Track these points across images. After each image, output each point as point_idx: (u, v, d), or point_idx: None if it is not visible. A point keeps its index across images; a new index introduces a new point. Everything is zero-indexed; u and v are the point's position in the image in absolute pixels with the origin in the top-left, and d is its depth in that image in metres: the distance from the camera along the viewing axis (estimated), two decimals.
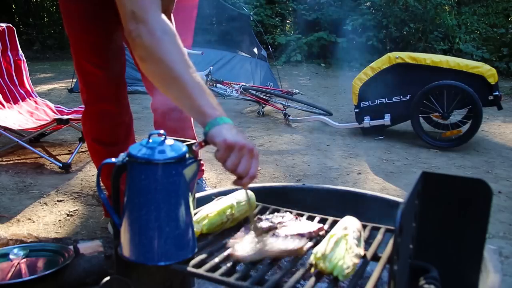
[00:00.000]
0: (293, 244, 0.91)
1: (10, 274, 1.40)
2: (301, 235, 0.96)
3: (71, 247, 1.51)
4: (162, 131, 0.90)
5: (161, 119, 1.92)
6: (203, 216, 1.03)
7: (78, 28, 1.55)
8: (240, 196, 1.12)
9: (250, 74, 6.19)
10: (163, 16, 1.08)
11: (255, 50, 6.44)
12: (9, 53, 3.28)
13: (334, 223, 1.06)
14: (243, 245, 0.92)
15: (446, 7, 10.02)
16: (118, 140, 1.72)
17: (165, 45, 1.02)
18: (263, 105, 4.87)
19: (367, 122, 3.84)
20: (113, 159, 0.88)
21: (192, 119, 1.98)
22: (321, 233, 1.01)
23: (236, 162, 0.92)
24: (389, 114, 3.74)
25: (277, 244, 0.91)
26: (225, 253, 0.91)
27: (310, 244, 0.95)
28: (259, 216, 1.09)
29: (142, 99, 5.16)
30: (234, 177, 0.96)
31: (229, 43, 6.27)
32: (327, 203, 1.36)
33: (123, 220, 0.87)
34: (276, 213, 1.12)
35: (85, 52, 1.58)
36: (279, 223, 1.03)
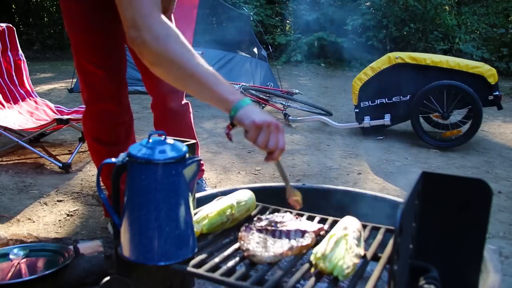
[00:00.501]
0: (305, 240, 0.93)
1: (10, 274, 1.40)
2: (306, 232, 0.98)
3: (71, 247, 1.51)
4: (162, 131, 0.90)
5: (161, 119, 1.92)
6: (203, 216, 1.03)
7: (78, 28, 1.55)
8: (240, 196, 1.12)
9: (250, 74, 6.19)
10: (164, 18, 1.08)
11: (255, 50, 6.44)
12: (9, 53, 3.28)
13: (334, 223, 1.06)
14: (255, 246, 0.92)
15: (446, 7, 10.02)
16: (118, 140, 1.72)
17: (171, 47, 1.05)
18: (263, 105, 4.87)
19: (367, 122, 3.84)
20: (113, 159, 0.88)
21: (192, 119, 1.98)
22: (321, 233, 1.01)
23: (266, 138, 1.01)
24: (389, 114, 3.74)
25: (292, 242, 0.93)
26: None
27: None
28: (259, 216, 1.09)
29: (142, 99, 5.16)
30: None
31: (229, 43, 6.26)
32: (327, 203, 1.36)
33: (123, 220, 0.87)
34: (276, 213, 1.12)
35: (85, 52, 1.58)
36: (279, 222, 1.03)
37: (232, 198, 1.10)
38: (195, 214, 1.04)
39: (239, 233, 0.98)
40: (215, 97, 1.04)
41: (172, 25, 1.09)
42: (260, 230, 0.99)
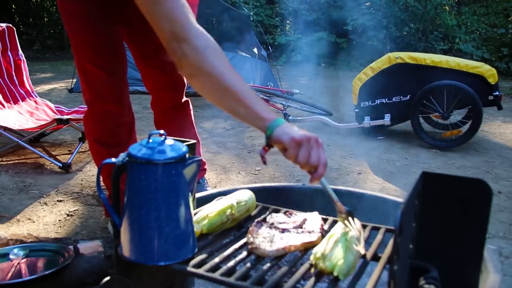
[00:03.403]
0: (310, 237, 0.94)
1: (10, 274, 1.40)
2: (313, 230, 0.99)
3: (71, 247, 1.51)
4: (162, 131, 0.90)
5: (162, 117, 1.92)
6: (203, 216, 1.03)
7: (77, 28, 1.55)
8: (240, 196, 1.12)
9: (250, 74, 6.19)
10: (201, 29, 1.08)
11: (255, 50, 6.44)
12: (9, 53, 3.28)
13: (334, 223, 1.06)
14: (262, 240, 0.93)
15: (446, 7, 10.02)
16: (120, 141, 1.72)
17: (210, 59, 1.04)
18: None
19: (367, 122, 3.84)
20: (113, 159, 0.88)
21: (192, 117, 1.98)
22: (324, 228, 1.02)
23: (307, 154, 0.97)
24: (389, 114, 3.74)
25: (297, 238, 0.94)
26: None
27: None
28: (258, 219, 1.09)
29: (142, 99, 5.16)
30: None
31: (229, 43, 6.27)
32: (327, 203, 1.36)
33: (123, 220, 0.87)
34: (276, 213, 1.12)
35: (85, 52, 1.58)
36: (280, 222, 1.04)
37: (232, 198, 1.10)
38: (195, 214, 1.04)
39: (249, 228, 0.99)
40: (251, 115, 1.02)
41: (210, 36, 1.08)
42: (270, 227, 1.00)
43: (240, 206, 1.09)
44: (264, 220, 1.04)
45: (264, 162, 1.04)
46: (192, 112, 1.98)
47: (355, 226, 0.97)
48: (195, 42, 1.05)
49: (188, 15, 1.07)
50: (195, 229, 0.94)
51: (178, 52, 1.05)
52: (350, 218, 0.98)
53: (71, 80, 6.23)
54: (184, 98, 1.91)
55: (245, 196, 1.13)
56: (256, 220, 1.03)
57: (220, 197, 1.13)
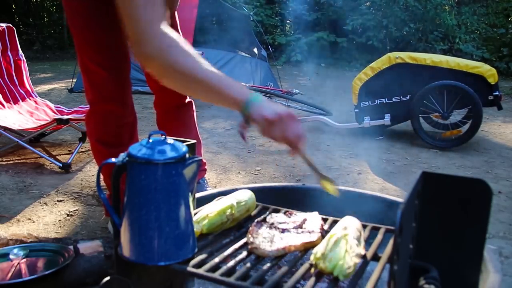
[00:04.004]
0: (310, 237, 0.94)
1: (10, 274, 1.40)
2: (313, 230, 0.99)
3: (71, 247, 1.51)
4: (162, 131, 0.90)
5: (165, 117, 1.92)
6: (203, 216, 1.03)
7: (80, 26, 1.54)
8: (240, 196, 1.12)
9: (250, 74, 6.19)
10: (165, 28, 1.08)
11: (255, 50, 6.44)
12: (9, 53, 3.28)
13: (334, 223, 1.06)
14: (262, 240, 0.93)
15: (446, 7, 10.02)
16: (122, 142, 1.71)
17: (174, 58, 1.05)
18: None
19: (367, 122, 3.84)
20: (113, 159, 0.88)
21: (195, 118, 1.98)
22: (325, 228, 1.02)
23: (282, 132, 1.00)
24: (389, 114, 3.74)
25: (297, 238, 0.94)
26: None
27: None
28: (258, 219, 1.09)
29: (142, 99, 5.16)
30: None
31: (229, 43, 6.27)
32: (327, 203, 1.36)
33: (123, 220, 0.87)
34: (276, 213, 1.12)
35: (88, 50, 1.57)
36: (286, 223, 1.04)
37: (232, 198, 1.10)
38: (195, 214, 1.04)
39: (249, 228, 0.99)
40: (224, 99, 1.04)
41: (173, 33, 1.08)
42: (270, 227, 1.00)
43: (240, 206, 1.09)
44: (264, 220, 1.05)
45: (244, 139, 1.07)
46: (195, 113, 1.98)
47: (335, 190, 1.07)
48: (157, 43, 1.05)
49: (152, 17, 1.06)
50: (195, 229, 0.94)
51: (142, 56, 1.06)
52: (330, 183, 1.07)
53: (71, 80, 6.23)
54: (188, 99, 1.91)
55: (245, 196, 1.13)
56: (256, 220, 1.03)
57: (220, 197, 1.13)
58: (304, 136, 1.02)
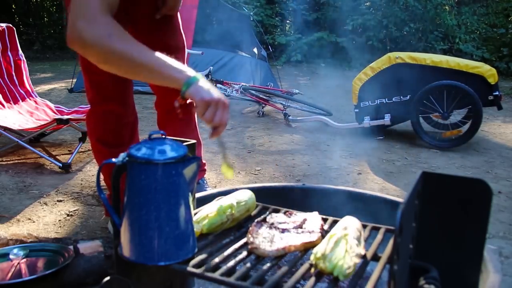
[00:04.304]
0: (310, 237, 0.94)
1: (10, 274, 1.40)
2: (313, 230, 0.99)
3: (71, 247, 1.51)
4: (162, 131, 0.90)
5: (165, 117, 1.92)
6: (203, 216, 1.03)
7: None
8: (240, 196, 1.13)
9: (250, 74, 6.18)
10: (106, 20, 1.12)
11: (255, 50, 6.44)
12: (9, 53, 3.28)
13: (334, 223, 1.06)
14: (262, 240, 0.93)
15: (446, 7, 10.03)
16: (122, 141, 1.71)
17: (115, 45, 1.09)
18: (263, 105, 4.87)
19: (367, 122, 3.84)
20: (113, 159, 0.88)
21: (196, 118, 1.98)
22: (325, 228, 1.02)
23: (212, 114, 1.08)
24: (389, 114, 3.74)
25: (297, 238, 0.94)
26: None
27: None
28: (258, 219, 1.09)
29: (142, 99, 5.17)
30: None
31: (229, 43, 6.26)
32: (327, 203, 1.36)
33: (123, 220, 0.87)
34: (276, 213, 1.12)
35: None
36: (286, 223, 1.04)
37: (232, 198, 1.10)
38: (195, 214, 1.04)
39: (249, 228, 1.00)
40: (166, 79, 1.11)
41: (115, 23, 1.12)
42: (270, 227, 1.00)
43: (240, 206, 1.09)
44: (264, 220, 1.05)
45: (179, 114, 1.17)
46: (196, 114, 1.98)
47: (231, 175, 1.21)
48: (97, 32, 1.09)
49: (98, 8, 1.11)
50: (195, 229, 0.94)
51: (79, 41, 1.10)
52: (229, 169, 1.20)
53: (71, 80, 6.23)
54: (189, 100, 1.91)
55: (245, 196, 1.13)
56: (256, 220, 1.03)
57: (220, 197, 1.13)
58: (226, 124, 1.12)
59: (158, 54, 1.12)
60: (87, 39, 1.09)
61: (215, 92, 1.09)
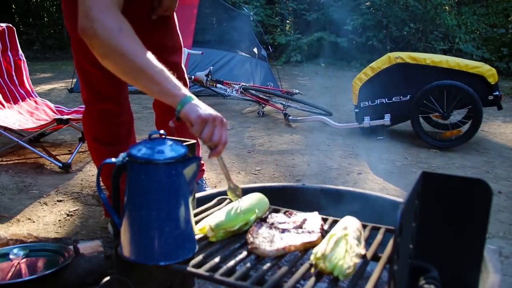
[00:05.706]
0: (310, 237, 0.94)
1: (10, 274, 1.40)
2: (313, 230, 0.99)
3: (71, 247, 1.51)
4: (162, 131, 0.90)
5: (164, 119, 1.92)
6: (222, 226, 0.98)
7: (76, 26, 1.55)
8: (261, 206, 1.11)
9: (250, 74, 6.18)
10: (117, 13, 1.12)
11: (255, 50, 6.43)
12: (9, 53, 3.28)
13: (334, 223, 1.06)
14: (262, 240, 0.93)
15: (446, 7, 10.03)
16: (118, 140, 1.72)
17: (122, 40, 1.08)
18: (263, 105, 4.87)
19: (367, 122, 3.84)
20: (113, 159, 0.88)
21: None
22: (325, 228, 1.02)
23: (210, 132, 1.04)
24: (389, 114, 3.74)
25: (297, 238, 0.94)
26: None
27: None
28: (268, 215, 1.09)
29: (142, 99, 5.16)
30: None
31: (229, 43, 6.26)
32: (327, 203, 1.36)
33: (123, 220, 0.87)
34: (276, 213, 1.12)
35: (85, 51, 1.58)
36: (280, 222, 1.04)
37: (253, 208, 1.06)
38: (212, 217, 1.02)
39: (250, 228, 0.99)
40: (163, 92, 1.08)
41: (126, 21, 1.12)
42: (270, 227, 1.00)
43: (256, 217, 1.07)
44: (264, 220, 1.05)
45: (172, 134, 1.09)
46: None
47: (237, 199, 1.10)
48: (110, 23, 1.09)
49: (111, 1, 1.11)
50: (208, 236, 0.95)
51: (89, 31, 1.09)
52: (238, 193, 1.13)
53: (71, 80, 6.23)
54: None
55: (265, 207, 1.12)
56: (257, 221, 1.03)
57: (239, 205, 1.07)
58: (226, 142, 1.07)
59: (161, 66, 1.10)
60: (98, 28, 1.08)
61: (212, 110, 1.07)
